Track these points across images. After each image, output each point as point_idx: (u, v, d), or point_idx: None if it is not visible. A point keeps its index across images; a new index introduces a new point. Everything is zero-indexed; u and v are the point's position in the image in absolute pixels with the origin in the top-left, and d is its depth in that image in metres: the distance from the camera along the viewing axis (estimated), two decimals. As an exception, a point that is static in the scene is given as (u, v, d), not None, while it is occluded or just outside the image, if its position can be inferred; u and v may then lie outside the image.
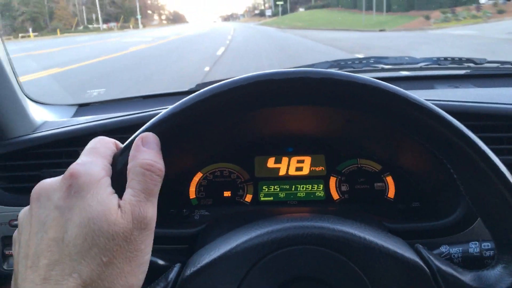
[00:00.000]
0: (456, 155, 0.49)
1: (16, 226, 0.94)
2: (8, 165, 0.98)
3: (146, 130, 0.48)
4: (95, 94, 6.33)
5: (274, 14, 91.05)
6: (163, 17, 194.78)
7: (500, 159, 0.87)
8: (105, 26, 75.62)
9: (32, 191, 0.44)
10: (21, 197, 0.97)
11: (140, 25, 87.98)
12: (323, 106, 0.52)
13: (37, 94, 1.23)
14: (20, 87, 1.08)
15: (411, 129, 0.51)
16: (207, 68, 9.42)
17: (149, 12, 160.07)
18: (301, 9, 79.02)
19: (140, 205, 0.42)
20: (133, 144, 0.46)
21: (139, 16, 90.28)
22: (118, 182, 0.44)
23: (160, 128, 0.48)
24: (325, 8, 61.80)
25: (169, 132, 0.48)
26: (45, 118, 1.15)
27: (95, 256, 0.39)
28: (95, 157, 0.45)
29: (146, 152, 0.45)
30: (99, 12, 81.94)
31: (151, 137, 0.47)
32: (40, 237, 0.41)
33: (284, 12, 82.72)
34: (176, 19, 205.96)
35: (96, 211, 0.40)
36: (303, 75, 0.49)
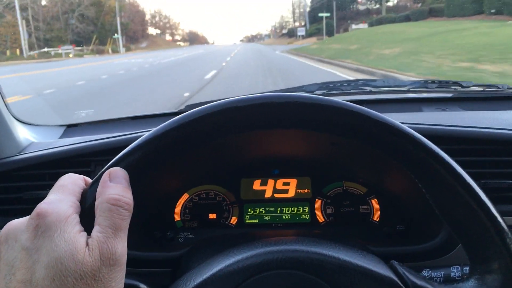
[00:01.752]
0: (421, 168, 0.51)
1: None
2: None
3: (114, 164, 0.48)
4: (83, 115, 6.33)
5: (310, 34, 64.78)
6: (178, 37, 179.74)
7: (483, 183, 0.87)
8: (60, 51, 46.66)
9: (1, 232, 0.44)
10: (5, 219, 0.96)
11: (122, 48, 63.99)
12: (296, 129, 0.53)
13: (24, 115, 1.22)
14: (7, 108, 1.08)
15: (378, 147, 0.52)
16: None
17: (153, 32, 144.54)
18: (355, 26, 51.18)
19: (108, 241, 0.42)
20: (100, 180, 0.46)
21: (118, 36, 64.32)
22: (87, 219, 0.44)
23: (127, 162, 0.48)
24: (414, 20, 35.54)
25: (138, 164, 0.49)
26: (32, 139, 1.15)
27: None
28: (63, 195, 0.45)
29: (113, 188, 0.45)
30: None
31: (119, 171, 0.47)
32: (8, 279, 0.41)
33: (330, 31, 52.18)
34: (192, 39, 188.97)
35: (63, 251, 0.40)
36: (265, 101, 0.50)
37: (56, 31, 62.35)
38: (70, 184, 0.47)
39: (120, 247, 0.43)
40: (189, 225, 1.00)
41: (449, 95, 1.51)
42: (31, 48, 49.64)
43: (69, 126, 1.39)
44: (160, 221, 0.99)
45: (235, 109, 0.50)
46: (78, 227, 0.43)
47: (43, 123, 1.34)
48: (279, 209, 1.01)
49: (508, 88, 1.43)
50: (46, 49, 48.71)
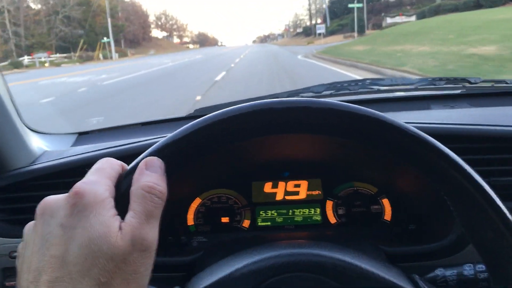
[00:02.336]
0: (453, 187, 0.49)
1: (16, 257, 0.95)
2: (8, 197, 0.99)
3: (151, 154, 0.49)
4: (94, 122, 6.35)
5: (331, 32, 54.05)
6: (186, 39, 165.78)
7: (493, 180, 0.87)
8: (33, 59, 39.35)
9: (37, 207, 0.45)
10: (21, 228, 0.98)
11: (114, 54, 52.98)
12: (313, 134, 0.53)
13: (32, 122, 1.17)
14: (19, 117, 1.10)
15: (406, 159, 0.51)
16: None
17: (159, 35, 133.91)
18: (390, 20, 42.69)
19: (141, 227, 0.43)
20: (137, 168, 0.47)
21: (109, 40, 52.26)
22: (121, 204, 0.45)
23: (164, 153, 0.49)
24: (488, 6, 26.68)
25: (173, 157, 0.49)
26: (45, 148, 1.16)
27: (94, 276, 0.40)
28: (101, 177, 0.46)
29: (149, 175, 0.46)
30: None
31: (155, 161, 0.48)
32: (42, 253, 0.42)
33: (361, 27, 41.67)
34: (202, 41, 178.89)
35: (97, 232, 0.41)
36: (303, 104, 0.50)
37: (37, 37, 54.06)
38: (108, 168, 0.48)
39: (152, 233, 0.44)
40: (202, 229, 1.01)
41: (458, 91, 1.51)
42: (8, 56, 43.71)
43: (80, 133, 1.41)
44: (173, 226, 1.00)
45: (269, 110, 0.50)
46: (113, 211, 0.43)
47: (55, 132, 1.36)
48: (290, 211, 1.01)
49: (516, 83, 1.42)
50: (22, 58, 39.90)
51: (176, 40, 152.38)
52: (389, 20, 44.11)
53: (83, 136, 1.40)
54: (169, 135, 0.50)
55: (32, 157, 1.08)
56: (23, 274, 0.43)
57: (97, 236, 0.41)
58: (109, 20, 55.37)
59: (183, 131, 0.50)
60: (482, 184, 0.48)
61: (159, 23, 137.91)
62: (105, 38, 52.42)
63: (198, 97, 9.29)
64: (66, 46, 53.75)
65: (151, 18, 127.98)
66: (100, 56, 50.95)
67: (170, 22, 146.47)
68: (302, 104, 0.50)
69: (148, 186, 0.45)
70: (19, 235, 0.97)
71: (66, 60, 45.33)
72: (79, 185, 0.44)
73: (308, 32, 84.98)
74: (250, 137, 0.52)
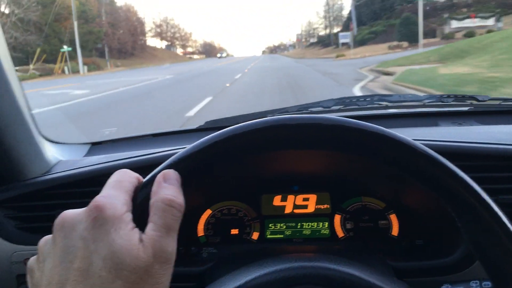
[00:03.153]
0: (460, 205, 0.50)
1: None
2: (24, 206, 1.02)
3: (167, 166, 0.50)
4: (107, 133, 6.36)
5: (361, 42, 43.35)
6: (190, 49, 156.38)
7: (501, 198, 0.89)
8: None
9: (56, 221, 0.46)
10: (36, 236, 1.00)
11: (82, 67, 41.13)
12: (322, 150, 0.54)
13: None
14: (36, 127, 1.13)
15: (414, 176, 0.51)
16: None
17: (156, 44, 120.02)
18: (456, 23, 31.30)
19: (161, 240, 0.44)
20: (155, 180, 0.48)
21: (69, 49, 39.70)
22: (138, 217, 0.46)
23: (181, 166, 0.50)
24: None
25: (189, 170, 0.51)
26: (59, 157, 1.19)
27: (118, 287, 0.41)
28: (119, 191, 0.47)
29: (168, 188, 0.47)
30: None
31: (172, 173, 0.49)
32: (65, 266, 0.43)
33: (412, 34, 32.49)
34: (208, 51, 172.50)
35: (119, 246, 0.42)
36: (316, 121, 0.51)
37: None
38: (126, 182, 0.49)
39: (171, 245, 0.45)
40: (212, 240, 1.03)
41: (465, 108, 1.52)
42: None
43: (93, 144, 1.44)
44: (184, 236, 1.02)
45: (284, 126, 0.51)
46: (132, 224, 0.45)
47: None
48: (299, 224, 1.03)
49: (524, 102, 1.43)
50: None
51: (180, 50, 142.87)
52: (455, 24, 31.76)
53: (96, 146, 1.43)
54: (186, 148, 0.52)
55: (47, 166, 1.10)
56: (43, 287, 0.44)
57: (119, 250, 0.42)
58: (75, 23, 43.26)
59: (200, 145, 0.51)
60: (489, 202, 0.49)
61: (159, 31, 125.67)
62: (64, 47, 39.80)
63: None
64: (20, 57, 40.29)
65: (150, 26, 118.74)
66: (66, 69, 39.67)
67: (172, 31, 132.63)
68: (316, 121, 0.52)
69: (168, 199, 0.46)
70: (34, 243, 0.99)
71: (19, 74, 30.43)
72: (98, 199, 0.45)
73: (326, 42, 72.49)
74: (265, 151, 0.53)
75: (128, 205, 0.47)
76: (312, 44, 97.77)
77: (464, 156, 0.95)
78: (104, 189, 0.48)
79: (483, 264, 0.52)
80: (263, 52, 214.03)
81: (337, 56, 38.55)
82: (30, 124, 1.08)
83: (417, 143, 0.51)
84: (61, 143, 1.34)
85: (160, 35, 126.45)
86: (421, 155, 0.50)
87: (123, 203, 0.46)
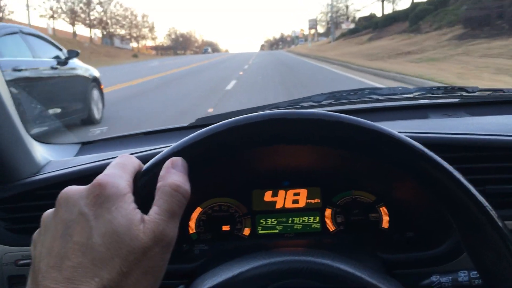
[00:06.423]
0: (449, 199, 0.50)
1: (22, 265, 0.97)
2: (14, 207, 1.01)
3: (173, 152, 0.51)
4: (97, 132, 6.33)
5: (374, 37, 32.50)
6: (150, 42, 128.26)
7: (488, 189, 0.89)
8: None
9: (59, 195, 0.47)
10: (27, 237, 1.00)
11: None
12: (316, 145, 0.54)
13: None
14: (23, 127, 1.12)
15: (414, 176, 0.51)
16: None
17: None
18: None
19: (164, 224, 0.45)
20: (164, 166, 0.49)
21: None
22: (139, 200, 0.47)
23: (187, 152, 0.51)
24: None
25: (193, 158, 0.51)
26: (49, 158, 1.18)
27: (116, 265, 0.42)
28: (122, 172, 0.48)
29: (176, 174, 0.48)
30: None
31: (180, 161, 0.50)
32: (65, 239, 0.43)
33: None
34: (180, 45, 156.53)
35: (119, 224, 0.43)
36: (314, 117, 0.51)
37: None
38: (129, 165, 0.50)
39: (173, 231, 0.46)
40: (203, 237, 1.03)
41: (455, 100, 1.53)
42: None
43: (83, 143, 1.43)
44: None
45: (283, 120, 0.51)
46: (133, 205, 0.45)
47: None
48: (290, 219, 1.03)
49: (513, 92, 1.44)
50: None
51: (134, 44, 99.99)
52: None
53: (86, 146, 1.42)
54: (189, 136, 0.52)
55: (37, 167, 1.10)
56: (42, 258, 0.44)
57: (119, 228, 0.43)
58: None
59: (202, 134, 0.52)
60: (482, 202, 0.48)
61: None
62: None
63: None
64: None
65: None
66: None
67: (134, 23, 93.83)
68: (316, 117, 0.52)
69: (176, 185, 0.47)
70: (25, 244, 0.99)
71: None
72: (101, 177, 0.46)
73: (378, 29, 38.64)
74: (263, 144, 0.54)
75: (130, 187, 0.47)
76: (342, 35, 55.78)
77: (453, 147, 0.95)
78: (107, 168, 0.49)
79: (474, 261, 0.52)
80: (262, 45, 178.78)
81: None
82: (18, 126, 1.07)
83: (422, 147, 0.50)
84: (50, 143, 1.33)
85: (73, 18, 73.08)
86: (426, 159, 0.50)
87: (126, 183, 0.47)
